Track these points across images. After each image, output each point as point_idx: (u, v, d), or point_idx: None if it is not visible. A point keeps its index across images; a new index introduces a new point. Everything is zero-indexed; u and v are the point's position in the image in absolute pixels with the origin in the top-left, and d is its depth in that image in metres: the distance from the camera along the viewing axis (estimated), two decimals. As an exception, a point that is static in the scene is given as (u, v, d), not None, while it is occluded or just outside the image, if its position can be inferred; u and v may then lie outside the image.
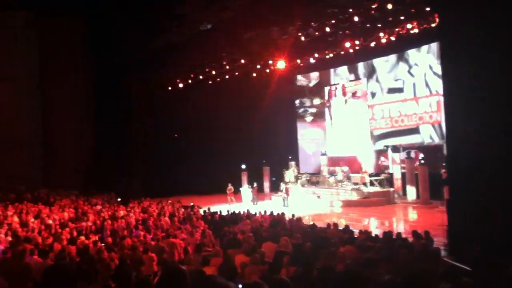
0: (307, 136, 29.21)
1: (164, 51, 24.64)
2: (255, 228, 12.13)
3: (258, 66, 26.00)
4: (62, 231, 12.58)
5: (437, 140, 21.96)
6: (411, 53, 23.18)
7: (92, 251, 9.42)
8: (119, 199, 23.42)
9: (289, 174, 26.32)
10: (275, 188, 26.75)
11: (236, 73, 26.78)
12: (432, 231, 11.11)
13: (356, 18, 19.23)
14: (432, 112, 22.29)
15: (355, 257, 8.00)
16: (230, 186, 24.27)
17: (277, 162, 27.49)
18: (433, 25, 18.52)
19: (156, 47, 24.49)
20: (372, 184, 22.66)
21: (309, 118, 29.14)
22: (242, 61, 25.23)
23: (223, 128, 28.87)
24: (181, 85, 28.62)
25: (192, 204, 20.07)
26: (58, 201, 22.02)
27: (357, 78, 26.00)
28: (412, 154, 22.45)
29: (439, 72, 18.90)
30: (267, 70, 26.22)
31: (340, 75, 26.93)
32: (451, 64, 11.32)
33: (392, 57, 24.00)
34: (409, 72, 23.36)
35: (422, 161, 21.34)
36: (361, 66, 25.74)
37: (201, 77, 27.77)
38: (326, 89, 27.70)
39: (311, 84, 28.98)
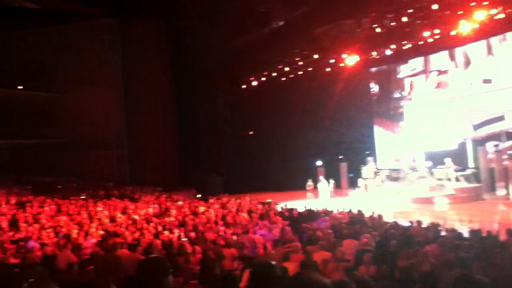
0: (385, 131, 28.31)
1: (241, 50, 25.12)
2: (334, 225, 11.98)
3: (332, 61, 25.61)
4: (147, 226, 13.21)
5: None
6: (494, 41, 21.62)
7: (176, 245, 9.79)
8: (198, 195, 24.17)
9: (367, 170, 25.63)
10: (352, 184, 26.23)
11: (310, 69, 26.57)
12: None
13: (434, 6, 18.31)
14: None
15: (441, 256, 7.64)
16: (310, 183, 24.14)
17: (354, 158, 26.91)
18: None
19: (236, 47, 25.02)
20: (457, 179, 21.47)
21: (387, 112, 28.21)
22: (315, 56, 24.98)
23: (297, 124, 28.82)
24: (255, 83, 28.94)
25: (269, 200, 20.20)
26: (143, 197, 23.17)
27: (438, 69, 24.76)
28: (500, 147, 20.98)
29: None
30: (341, 64, 25.74)
31: (417, 66, 25.79)
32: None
33: (476, 45, 22.53)
34: (495, 60, 21.84)
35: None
36: (440, 56, 24.46)
37: (274, 74, 27.90)
38: (407, 81, 26.64)
39: (388, 77, 28.06)
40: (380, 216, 13.85)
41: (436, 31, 20.47)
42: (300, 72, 27.16)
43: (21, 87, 28.65)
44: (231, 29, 24.22)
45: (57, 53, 29.85)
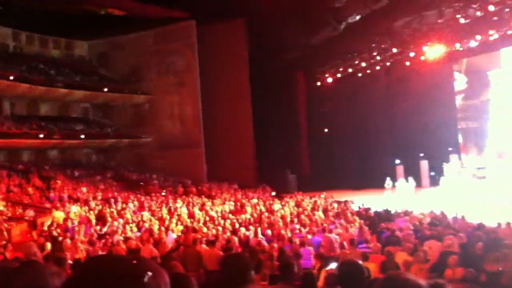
0: (470, 126, 26.70)
1: (318, 46, 24.96)
2: (415, 226, 11.47)
3: (411, 54, 24.56)
4: (224, 222, 13.47)
5: None
6: None
7: (252, 242, 9.88)
8: (273, 193, 24.28)
9: (450, 168, 24.29)
10: (434, 183, 25.02)
11: (388, 63, 25.68)
12: None
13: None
14: None
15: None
16: (388, 181, 23.42)
17: (436, 155, 25.59)
18: None
19: (313, 43, 24.91)
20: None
21: (471, 107, 26.60)
22: (394, 50, 24.10)
23: (375, 121, 27.99)
24: (330, 80, 28.53)
25: (345, 199, 19.81)
26: (219, 194, 23.71)
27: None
28: None
29: None
30: (422, 58, 24.61)
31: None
32: None
33: None
34: None
35: None
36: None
37: (350, 70, 27.31)
38: (491, 73, 24.96)
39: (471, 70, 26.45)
40: (463, 217, 13.05)
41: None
42: (378, 67, 26.33)
43: (117, 91, 30.83)
44: (308, 26, 24.14)
45: (148, 57, 31.77)
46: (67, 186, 22.34)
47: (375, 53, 24.88)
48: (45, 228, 12.92)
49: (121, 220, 14.07)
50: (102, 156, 32.31)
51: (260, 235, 10.80)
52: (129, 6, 27.57)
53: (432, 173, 25.85)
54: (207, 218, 14.91)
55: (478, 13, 19.17)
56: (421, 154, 26.17)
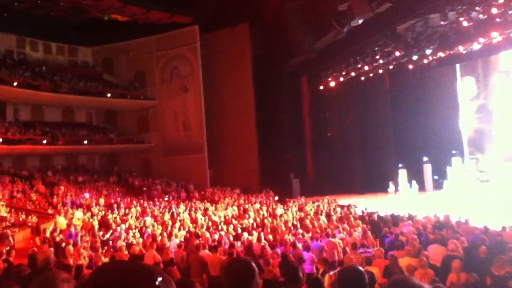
0: (474, 129, 26.58)
1: (321, 50, 24.98)
2: (419, 230, 11.41)
3: (415, 57, 24.51)
4: (227, 227, 13.45)
5: None
6: None
7: (255, 247, 9.85)
8: (276, 197, 24.25)
9: (454, 172, 24.19)
10: (437, 187, 24.91)
11: (391, 67, 25.62)
12: None
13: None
14: None
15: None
16: (391, 185, 23.34)
17: (440, 158, 25.49)
18: None
19: (319, 47, 24.94)
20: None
21: (475, 110, 26.50)
22: (397, 53, 24.05)
23: (378, 125, 27.92)
24: (333, 84, 28.49)
25: (348, 203, 19.75)
26: (222, 199, 23.69)
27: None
28: None
29: None
30: (425, 61, 24.56)
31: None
32: None
33: None
34: None
35: None
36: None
37: (353, 74, 27.26)
38: (495, 76, 24.89)
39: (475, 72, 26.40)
40: (467, 221, 12.96)
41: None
42: (381, 71, 26.28)
43: (121, 96, 31.01)
44: (311, 30, 24.20)
45: (151, 63, 31.96)
46: (70, 192, 22.38)
47: (378, 57, 24.81)
48: (48, 234, 12.93)
49: (123, 226, 14.06)
50: (105, 162, 32.41)
51: (263, 240, 10.78)
52: (132, 11, 27.72)
53: (436, 177, 25.72)
54: (210, 223, 14.89)
55: (481, 16, 19.09)
56: (425, 158, 26.05)
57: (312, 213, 16.84)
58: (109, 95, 30.08)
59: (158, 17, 28.62)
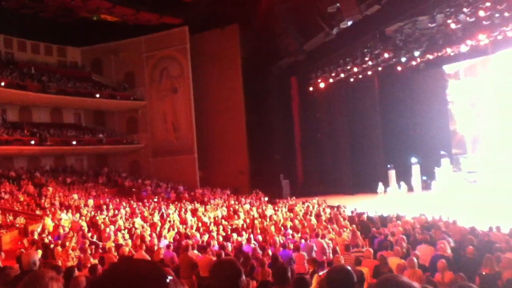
0: (462, 129, 26.85)
1: (310, 52, 25.07)
2: (407, 230, 11.50)
3: (403, 59, 24.71)
4: (217, 228, 13.43)
5: None
6: None
7: (246, 248, 9.85)
8: (266, 198, 24.28)
9: (442, 172, 24.42)
10: (425, 187, 25.11)
11: (380, 68, 25.80)
12: None
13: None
14: None
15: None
16: (380, 186, 23.47)
17: (428, 159, 25.70)
18: None
19: (308, 49, 25.02)
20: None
21: (462, 111, 26.76)
22: (386, 55, 24.23)
23: (367, 126, 28.10)
24: (323, 85, 28.61)
25: (338, 204, 19.82)
26: (212, 200, 23.67)
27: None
28: None
29: None
30: (413, 63, 24.77)
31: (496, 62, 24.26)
32: None
33: None
34: None
35: None
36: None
37: (342, 75, 27.40)
38: (482, 77, 25.16)
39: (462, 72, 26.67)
40: (455, 221, 13.10)
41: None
42: (369, 73, 26.45)
43: (110, 97, 30.87)
44: (301, 32, 24.29)
45: (141, 63, 31.84)
46: (58, 193, 22.19)
47: (367, 58, 24.97)
48: (36, 235, 12.81)
49: (112, 227, 13.98)
50: (94, 162, 32.19)
51: (253, 241, 10.79)
52: (122, 12, 27.60)
53: (424, 178, 25.93)
54: (200, 224, 14.86)
55: (469, 19, 19.31)
56: (413, 159, 26.25)
57: (301, 213, 16.87)
58: (98, 95, 29.91)
59: (148, 18, 28.55)
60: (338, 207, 18.80)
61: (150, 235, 12.19)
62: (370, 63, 24.95)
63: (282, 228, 13.33)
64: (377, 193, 24.74)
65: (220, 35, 29.97)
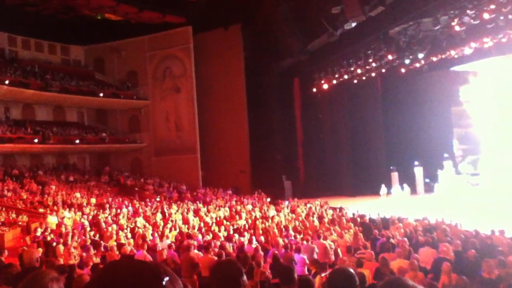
0: (464, 132, 26.78)
1: (314, 53, 25.05)
2: (409, 233, 11.47)
3: (407, 61, 24.65)
4: (219, 229, 13.42)
5: None
6: None
7: (246, 248, 9.84)
8: (268, 199, 24.25)
9: (445, 175, 24.35)
10: (428, 190, 25.05)
11: (383, 70, 25.75)
12: None
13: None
14: None
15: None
16: (383, 188, 23.42)
17: (431, 162, 25.63)
18: None
19: (311, 50, 25.01)
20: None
21: (466, 114, 26.70)
22: (390, 57, 24.18)
23: (370, 127, 28.04)
24: (326, 86, 28.56)
25: (340, 206, 19.79)
26: (214, 200, 23.66)
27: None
28: None
29: None
30: (417, 65, 24.70)
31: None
32: None
33: None
34: None
35: None
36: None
37: (346, 76, 27.34)
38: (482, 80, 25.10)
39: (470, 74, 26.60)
40: (458, 224, 13.07)
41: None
42: (373, 74, 26.38)
43: (113, 96, 30.91)
44: (304, 32, 24.27)
45: (144, 62, 31.87)
46: (61, 191, 22.22)
47: (370, 60, 24.91)
48: (38, 233, 12.83)
49: (115, 226, 13.99)
50: (96, 161, 32.24)
51: (254, 242, 10.77)
52: (125, 11, 27.62)
53: (427, 180, 25.88)
54: (202, 224, 14.85)
55: (473, 21, 19.25)
56: (416, 161, 26.19)
57: (303, 215, 16.85)
58: (101, 94, 29.96)
59: (151, 17, 28.55)
60: (341, 208, 18.77)
61: (152, 235, 12.20)
62: (373, 64, 24.88)
63: (284, 229, 13.30)
64: (379, 195, 24.68)
65: (223, 35, 29.97)
